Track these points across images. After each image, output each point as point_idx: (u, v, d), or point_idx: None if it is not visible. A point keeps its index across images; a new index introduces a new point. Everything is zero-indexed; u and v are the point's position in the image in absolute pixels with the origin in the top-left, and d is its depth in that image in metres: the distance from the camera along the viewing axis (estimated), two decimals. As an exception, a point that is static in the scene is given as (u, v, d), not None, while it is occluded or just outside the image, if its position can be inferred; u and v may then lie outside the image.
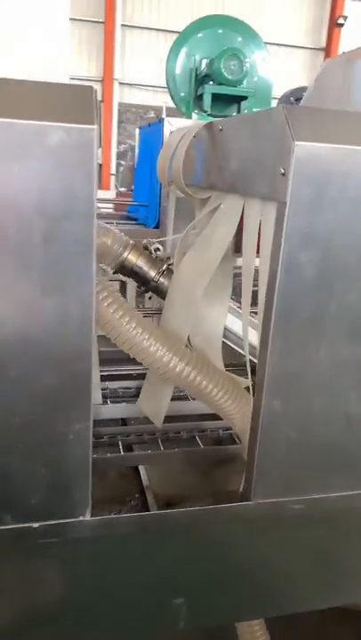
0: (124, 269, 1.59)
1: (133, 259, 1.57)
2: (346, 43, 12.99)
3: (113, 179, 13.51)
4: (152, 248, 1.62)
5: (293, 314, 1.18)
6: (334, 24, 13.40)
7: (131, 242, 1.60)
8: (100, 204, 8.75)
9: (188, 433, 1.72)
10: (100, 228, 1.55)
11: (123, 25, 12.66)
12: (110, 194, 11.33)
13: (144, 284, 1.62)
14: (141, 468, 1.91)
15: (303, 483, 1.33)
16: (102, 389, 2.26)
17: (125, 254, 1.56)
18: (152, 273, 1.60)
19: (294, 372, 1.22)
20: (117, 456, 1.57)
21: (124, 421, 2.07)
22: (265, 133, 1.18)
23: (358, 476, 1.37)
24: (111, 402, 2.15)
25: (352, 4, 13.71)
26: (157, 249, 1.62)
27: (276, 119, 1.12)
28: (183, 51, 4.71)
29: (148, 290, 1.63)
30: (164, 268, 1.60)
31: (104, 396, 2.20)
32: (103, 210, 7.73)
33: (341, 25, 13.37)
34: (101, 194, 11.80)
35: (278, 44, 12.81)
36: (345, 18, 13.39)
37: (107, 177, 13.57)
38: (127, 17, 12.71)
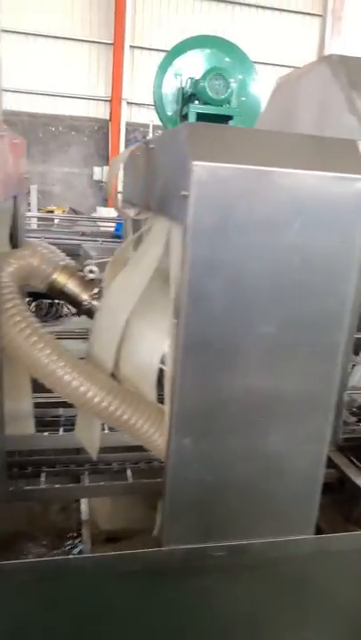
0: (54, 290, 1.51)
1: (63, 280, 1.50)
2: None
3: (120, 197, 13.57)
4: (86, 270, 1.55)
5: (203, 346, 1.09)
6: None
7: (62, 263, 1.53)
8: (101, 223, 8.76)
9: (120, 465, 1.62)
10: (28, 249, 1.48)
11: (131, 46, 12.84)
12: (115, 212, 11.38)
13: (75, 306, 1.54)
14: (83, 501, 1.81)
15: (223, 528, 1.22)
16: (56, 417, 2.16)
17: (55, 275, 1.49)
18: (84, 295, 1.52)
19: (206, 409, 1.13)
20: (37, 489, 1.48)
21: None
22: (175, 152, 1.11)
23: (286, 521, 1.26)
24: (65, 430, 2.05)
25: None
26: (91, 271, 1.55)
27: (180, 137, 1.05)
28: (170, 70, 4.71)
29: (81, 313, 1.56)
30: (96, 290, 1.53)
31: (57, 424, 2.11)
32: (103, 229, 7.72)
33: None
34: (106, 212, 11.86)
35: (287, 66, 12.86)
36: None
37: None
38: (136, 38, 12.90)
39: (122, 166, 1.69)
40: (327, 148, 1.10)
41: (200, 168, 0.98)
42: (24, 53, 12.23)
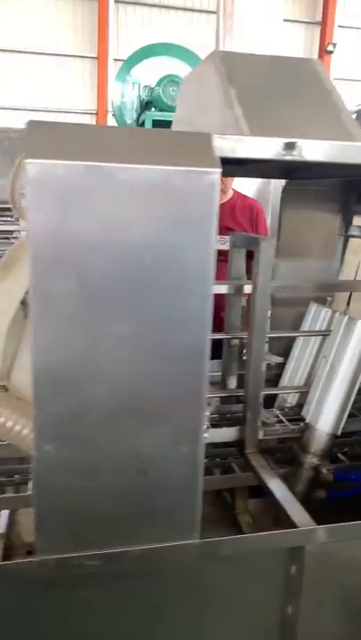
0: None
1: None
2: (336, 70, 13.07)
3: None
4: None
5: (55, 348, 1.06)
6: (324, 51, 13.51)
7: None
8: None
9: (24, 477, 1.58)
10: None
11: (115, 59, 12.98)
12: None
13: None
14: (4, 513, 1.77)
15: (97, 535, 1.18)
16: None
17: None
18: (-22, 303, 1.50)
19: (66, 414, 1.10)
20: None
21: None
22: (27, 152, 1.09)
23: (167, 526, 1.22)
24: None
25: (342, 31, 13.86)
26: (-13, 278, 1.52)
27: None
28: (128, 79, 4.74)
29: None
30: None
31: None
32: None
33: (331, 52, 13.47)
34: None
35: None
36: (334, 45, 13.50)
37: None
38: (120, 51, 13.04)
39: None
40: (179, 142, 1.08)
41: (33, 166, 0.96)
42: (9, 70, 12.37)
